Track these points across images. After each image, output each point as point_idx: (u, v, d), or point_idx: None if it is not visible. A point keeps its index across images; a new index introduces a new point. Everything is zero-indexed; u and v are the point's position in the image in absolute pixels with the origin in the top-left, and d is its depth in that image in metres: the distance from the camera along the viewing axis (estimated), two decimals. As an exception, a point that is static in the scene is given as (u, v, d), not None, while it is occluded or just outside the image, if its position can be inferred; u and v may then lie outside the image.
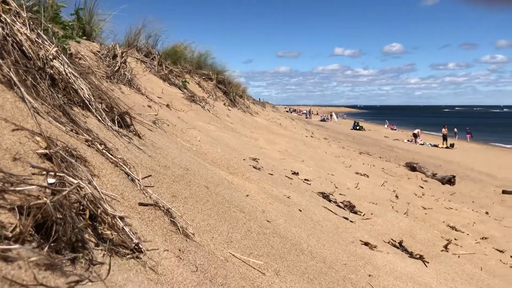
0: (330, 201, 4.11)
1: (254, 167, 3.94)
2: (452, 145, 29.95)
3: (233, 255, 1.69)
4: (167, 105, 5.65)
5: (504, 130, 61.90)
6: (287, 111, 79.30)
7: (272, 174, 3.99)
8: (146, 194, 1.69)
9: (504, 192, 12.43)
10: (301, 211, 3.00)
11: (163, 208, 1.65)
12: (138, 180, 1.74)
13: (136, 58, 6.25)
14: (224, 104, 10.62)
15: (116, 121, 2.40)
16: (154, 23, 8.20)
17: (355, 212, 4.11)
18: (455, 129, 42.07)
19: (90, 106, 2.23)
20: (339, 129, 39.09)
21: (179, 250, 1.45)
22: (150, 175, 1.89)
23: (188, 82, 8.51)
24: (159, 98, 5.81)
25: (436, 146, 30.20)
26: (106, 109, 2.44)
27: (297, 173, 4.97)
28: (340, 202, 4.29)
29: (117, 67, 4.67)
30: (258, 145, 6.30)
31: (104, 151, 1.77)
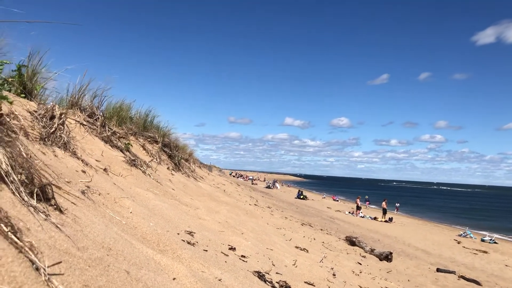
0: (265, 281, 3.97)
1: (188, 243, 3.77)
2: (390, 219, 30.91)
3: None
4: (105, 169, 5.43)
5: (438, 206, 65.37)
6: (233, 176, 79.45)
7: (206, 251, 3.83)
8: (50, 285, 1.52)
9: (438, 270, 12.78)
10: (231, 296, 2.85)
11: (68, 303, 1.48)
12: (44, 268, 1.56)
13: (76, 120, 6.05)
14: (168, 168, 10.43)
15: (35, 194, 2.22)
16: (101, 81, 8.10)
17: (290, 294, 3.99)
18: (397, 204, 43.87)
19: (6, 178, 2.05)
20: (283, 197, 39.38)
21: None
22: (61, 262, 1.72)
23: (131, 145, 8.31)
24: (97, 161, 5.59)
25: (375, 219, 31.07)
26: (25, 180, 2.25)
27: (234, 248, 4.82)
28: (276, 282, 4.16)
29: (53, 129, 4.47)
30: (197, 215, 6.12)
31: (9, 233, 1.59)
